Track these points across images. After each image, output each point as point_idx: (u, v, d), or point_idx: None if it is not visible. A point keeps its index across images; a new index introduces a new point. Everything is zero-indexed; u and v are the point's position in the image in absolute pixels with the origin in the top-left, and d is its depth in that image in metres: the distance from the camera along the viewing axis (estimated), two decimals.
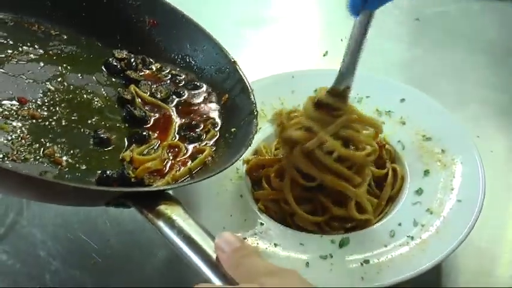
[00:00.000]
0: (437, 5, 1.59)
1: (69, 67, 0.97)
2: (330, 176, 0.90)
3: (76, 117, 0.89)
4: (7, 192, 0.87)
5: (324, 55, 1.36)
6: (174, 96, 1.00)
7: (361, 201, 0.92)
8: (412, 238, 0.87)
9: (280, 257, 0.85)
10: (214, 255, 0.62)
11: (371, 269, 0.83)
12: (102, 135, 0.89)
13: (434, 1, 1.60)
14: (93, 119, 0.91)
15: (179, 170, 0.87)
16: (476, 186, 0.91)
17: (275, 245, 0.87)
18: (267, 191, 0.96)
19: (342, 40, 1.44)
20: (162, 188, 0.77)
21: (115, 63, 1.01)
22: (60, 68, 0.96)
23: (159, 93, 0.99)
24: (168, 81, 1.02)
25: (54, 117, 0.87)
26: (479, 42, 1.45)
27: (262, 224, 0.91)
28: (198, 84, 1.02)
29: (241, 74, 0.98)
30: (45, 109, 0.88)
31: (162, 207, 0.70)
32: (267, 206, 0.95)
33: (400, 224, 0.90)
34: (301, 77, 1.10)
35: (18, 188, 0.74)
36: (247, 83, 0.96)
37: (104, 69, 1.00)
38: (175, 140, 0.93)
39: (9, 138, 0.81)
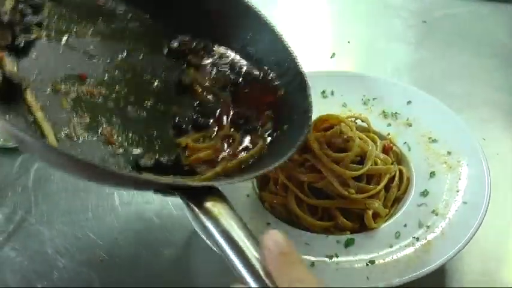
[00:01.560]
0: (445, 7, 1.59)
1: (131, 46, 0.94)
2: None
3: (133, 99, 0.87)
4: (63, 171, 0.84)
5: (331, 57, 1.36)
6: (231, 86, 0.96)
7: (379, 211, 0.93)
8: (418, 239, 0.87)
9: None
10: (254, 259, 0.59)
11: (376, 269, 0.83)
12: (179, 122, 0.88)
13: (443, 3, 1.61)
14: (150, 102, 0.88)
15: (231, 161, 0.84)
16: (482, 188, 0.92)
17: None
18: (273, 195, 0.97)
19: (349, 42, 1.46)
20: (210, 184, 0.74)
21: (177, 46, 0.97)
22: (122, 46, 0.94)
23: (218, 80, 0.95)
24: (228, 70, 0.97)
25: (112, 96, 0.85)
26: (487, 44, 1.45)
27: (268, 223, 0.92)
28: (256, 75, 0.96)
29: (301, 70, 0.93)
30: (104, 87, 0.86)
31: (209, 204, 0.67)
32: (273, 206, 0.96)
33: (405, 225, 0.90)
34: (308, 78, 1.10)
35: (73, 169, 0.73)
36: (306, 80, 0.91)
37: (166, 52, 0.97)
38: (231, 130, 0.89)
39: (67, 114, 0.79)
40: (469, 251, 0.91)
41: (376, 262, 0.85)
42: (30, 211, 1.05)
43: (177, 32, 0.98)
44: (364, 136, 0.98)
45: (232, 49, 0.98)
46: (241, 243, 0.61)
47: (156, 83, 0.91)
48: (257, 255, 0.59)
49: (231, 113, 0.92)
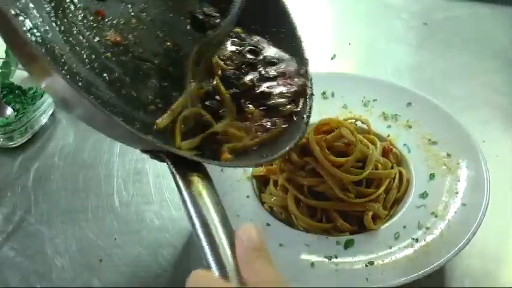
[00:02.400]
0: (446, 9, 1.59)
1: (156, 1, 0.89)
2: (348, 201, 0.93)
3: (141, 52, 0.81)
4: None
5: (332, 58, 1.36)
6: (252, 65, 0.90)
7: (379, 213, 0.93)
8: (417, 240, 0.87)
9: (285, 258, 0.86)
10: (221, 246, 0.59)
11: (375, 270, 0.84)
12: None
13: (443, 5, 1.61)
14: (157, 60, 0.82)
15: (252, 139, 0.80)
16: (481, 190, 0.92)
17: (280, 245, 0.88)
18: (273, 197, 0.97)
19: (349, 43, 1.46)
20: (197, 159, 0.70)
21: (200, 17, 0.91)
22: None
23: (239, 57, 0.90)
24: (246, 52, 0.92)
25: (123, 44, 0.80)
26: (487, 46, 1.45)
27: (268, 224, 0.92)
28: (273, 61, 0.92)
29: (309, 75, 0.90)
30: (117, 31, 0.81)
31: (194, 179, 0.66)
32: (273, 207, 0.96)
33: (404, 227, 0.90)
34: None
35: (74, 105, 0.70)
36: (309, 88, 0.89)
37: (188, 19, 0.91)
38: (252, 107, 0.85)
39: (72, 48, 0.73)
40: (468, 252, 0.91)
41: (376, 263, 0.85)
42: (29, 211, 1.05)
43: (204, 3, 0.94)
44: (364, 139, 0.98)
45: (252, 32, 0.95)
46: (212, 227, 0.61)
47: (168, 44, 0.85)
48: (225, 243, 0.59)
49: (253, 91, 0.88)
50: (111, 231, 1.01)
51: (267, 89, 0.87)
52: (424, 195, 0.95)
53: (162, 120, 0.73)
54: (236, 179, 0.97)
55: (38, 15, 0.71)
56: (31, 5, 0.71)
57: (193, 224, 0.62)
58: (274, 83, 0.88)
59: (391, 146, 1.02)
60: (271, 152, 0.79)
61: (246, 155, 0.78)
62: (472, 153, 0.98)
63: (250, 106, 0.85)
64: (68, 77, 0.67)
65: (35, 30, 0.69)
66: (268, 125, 0.83)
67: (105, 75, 0.73)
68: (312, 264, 0.85)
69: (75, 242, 0.99)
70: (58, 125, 1.24)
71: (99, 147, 1.17)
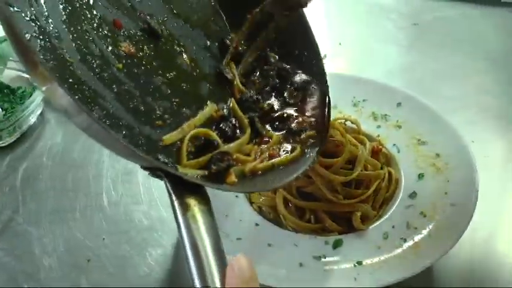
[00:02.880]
0: (436, 10, 1.60)
1: (176, 12, 0.86)
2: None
3: (155, 66, 0.78)
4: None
5: (323, 58, 1.36)
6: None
7: (368, 213, 0.93)
8: (405, 240, 0.87)
9: (273, 258, 0.86)
10: (209, 275, 0.58)
11: (364, 270, 0.83)
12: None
13: (433, 6, 1.61)
14: (171, 75, 0.79)
15: (262, 162, 0.77)
16: (470, 190, 0.92)
17: (269, 245, 0.88)
18: (261, 197, 0.97)
19: (340, 44, 1.46)
20: (198, 182, 0.67)
21: (228, 42, 0.89)
22: (168, 8, 0.85)
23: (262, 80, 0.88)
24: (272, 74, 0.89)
25: (137, 56, 0.77)
26: (477, 47, 1.46)
27: (257, 224, 0.92)
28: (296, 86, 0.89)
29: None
30: (132, 43, 0.77)
31: (191, 202, 0.63)
32: (262, 207, 0.96)
33: (393, 227, 0.90)
34: None
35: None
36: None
37: (215, 43, 0.88)
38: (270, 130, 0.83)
39: (83, 57, 0.70)
40: (457, 252, 0.91)
41: (364, 263, 0.85)
42: (17, 211, 1.04)
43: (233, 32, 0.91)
44: (353, 139, 0.98)
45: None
46: (203, 255, 0.59)
47: (184, 58, 0.83)
48: (215, 272, 0.58)
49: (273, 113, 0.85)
50: (99, 231, 1.01)
51: (286, 113, 0.85)
52: (413, 195, 0.95)
53: (170, 137, 0.71)
54: None
55: (51, 21, 0.69)
56: (45, 12, 0.70)
57: (184, 249, 0.60)
58: (293, 110, 0.86)
59: (381, 146, 1.02)
60: (277, 178, 0.76)
61: (252, 179, 0.75)
62: (461, 153, 0.98)
63: (269, 129, 0.82)
64: (76, 86, 0.66)
65: (43, 36, 0.67)
66: (283, 150, 0.80)
67: (114, 86, 0.70)
68: (301, 264, 0.85)
69: (63, 242, 0.99)
70: (47, 124, 1.23)
71: (88, 147, 1.17)
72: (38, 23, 0.67)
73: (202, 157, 0.71)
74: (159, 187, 1.07)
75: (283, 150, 0.80)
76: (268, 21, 0.88)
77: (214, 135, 0.75)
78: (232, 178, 0.71)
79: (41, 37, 0.66)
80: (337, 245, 0.88)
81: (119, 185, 1.09)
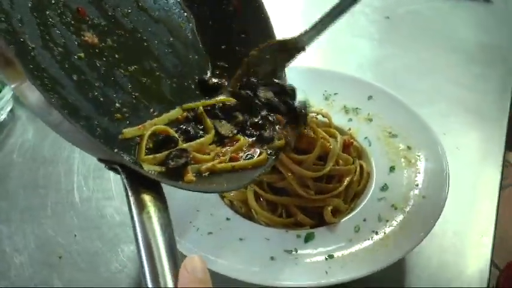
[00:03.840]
0: (408, 3, 1.60)
1: (140, 5, 0.85)
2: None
3: (117, 58, 0.77)
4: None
5: None
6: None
7: (339, 207, 0.94)
8: (376, 233, 0.87)
9: (245, 252, 0.86)
10: (161, 274, 0.57)
11: (335, 264, 0.83)
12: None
13: (405, 0, 1.61)
14: (133, 68, 0.78)
15: (221, 162, 0.77)
16: (441, 182, 0.92)
17: (240, 239, 0.88)
18: (232, 192, 0.97)
19: None
20: (154, 177, 0.67)
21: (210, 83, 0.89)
22: (133, 1, 0.84)
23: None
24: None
25: (99, 46, 0.75)
26: (449, 40, 1.46)
27: (228, 219, 0.92)
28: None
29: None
30: (96, 33, 0.76)
31: (147, 198, 0.62)
32: (233, 201, 0.95)
33: (365, 220, 0.90)
34: None
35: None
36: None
37: (178, 40, 0.88)
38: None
39: (45, 43, 0.69)
40: (428, 244, 0.92)
41: (336, 256, 0.85)
42: None
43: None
44: (325, 134, 0.97)
45: None
46: (155, 254, 0.58)
47: (148, 53, 0.83)
48: (167, 271, 0.58)
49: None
50: (71, 228, 1.00)
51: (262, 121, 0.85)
52: (384, 188, 0.95)
53: (130, 131, 0.71)
54: None
55: (15, 5, 0.67)
56: None
57: (138, 248, 0.59)
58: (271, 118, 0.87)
59: (352, 140, 1.02)
60: (234, 180, 0.77)
61: (208, 179, 0.75)
62: (432, 145, 0.99)
63: (237, 133, 0.83)
64: (36, 72, 0.65)
65: (5, 19, 0.66)
66: (246, 155, 0.81)
67: (74, 75, 0.69)
68: (272, 257, 0.85)
69: (34, 239, 0.98)
70: (17, 121, 1.22)
71: (59, 144, 1.16)
72: (2, 6, 0.66)
73: (160, 153, 0.71)
74: None
75: (247, 155, 0.81)
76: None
77: (173, 132, 0.75)
78: (190, 176, 0.71)
79: (3, 19, 0.65)
80: (308, 238, 0.88)
81: (90, 181, 1.08)
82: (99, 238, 0.98)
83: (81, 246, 0.97)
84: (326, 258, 0.84)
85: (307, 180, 0.92)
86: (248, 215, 0.94)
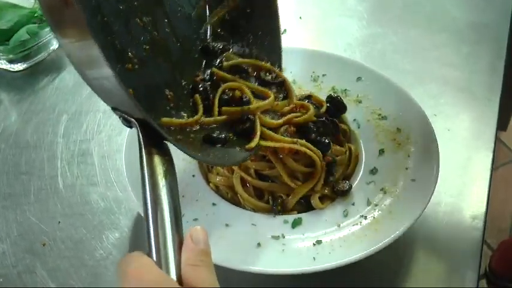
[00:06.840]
0: None
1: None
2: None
3: (136, 5, 0.77)
4: None
5: (283, 33, 1.33)
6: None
7: (327, 193, 0.92)
8: (365, 217, 0.86)
9: (231, 238, 0.84)
10: (162, 237, 0.57)
11: (323, 249, 0.82)
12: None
13: None
14: (148, 19, 0.79)
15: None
16: (431, 165, 0.91)
17: (226, 225, 0.86)
18: (219, 176, 0.95)
19: (300, 18, 1.44)
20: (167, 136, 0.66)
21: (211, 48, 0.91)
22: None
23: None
24: None
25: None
26: (438, 20, 1.44)
27: (214, 204, 0.90)
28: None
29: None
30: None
31: (157, 159, 0.61)
32: (219, 187, 0.94)
33: (353, 204, 0.89)
34: None
35: None
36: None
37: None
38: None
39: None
40: (418, 228, 0.90)
41: (324, 242, 0.83)
42: None
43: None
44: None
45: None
46: (161, 221, 0.58)
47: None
48: (170, 235, 0.58)
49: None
50: (54, 215, 0.98)
51: None
52: (373, 171, 0.94)
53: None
54: (181, 158, 0.93)
55: None
56: None
57: (145, 210, 0.59)
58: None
59: (341, 124, 1.00)
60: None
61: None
62: (422, 127, 0.97)
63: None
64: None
65: None
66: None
67: (98, 16, 0.69)
68: (259, 244, 0.83)
69: (17, 227, 0.97)
70: (0, 106, 1.20)
71: (42, 129, 1.14)
72: None
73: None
74: (115, 168, 1.05)
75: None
76: None
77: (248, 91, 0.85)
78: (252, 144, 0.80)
79: None
80: (296, 224, 0.86)
81: (74, 167, 1.06)
82: (84, 225, 0.96)
83: (65, 233, 0.95)
84: (314, 244, 0.83)
85: (297, 172, 0.91)
86: (234, 201, 0.92)
